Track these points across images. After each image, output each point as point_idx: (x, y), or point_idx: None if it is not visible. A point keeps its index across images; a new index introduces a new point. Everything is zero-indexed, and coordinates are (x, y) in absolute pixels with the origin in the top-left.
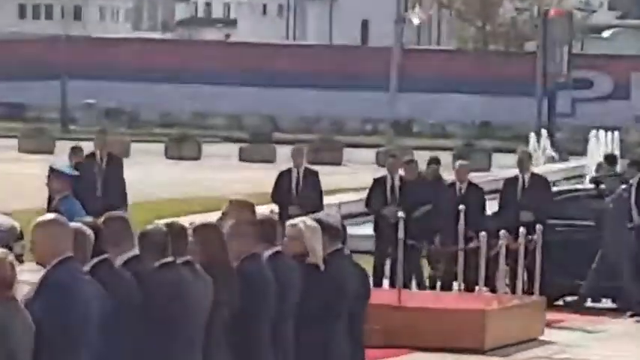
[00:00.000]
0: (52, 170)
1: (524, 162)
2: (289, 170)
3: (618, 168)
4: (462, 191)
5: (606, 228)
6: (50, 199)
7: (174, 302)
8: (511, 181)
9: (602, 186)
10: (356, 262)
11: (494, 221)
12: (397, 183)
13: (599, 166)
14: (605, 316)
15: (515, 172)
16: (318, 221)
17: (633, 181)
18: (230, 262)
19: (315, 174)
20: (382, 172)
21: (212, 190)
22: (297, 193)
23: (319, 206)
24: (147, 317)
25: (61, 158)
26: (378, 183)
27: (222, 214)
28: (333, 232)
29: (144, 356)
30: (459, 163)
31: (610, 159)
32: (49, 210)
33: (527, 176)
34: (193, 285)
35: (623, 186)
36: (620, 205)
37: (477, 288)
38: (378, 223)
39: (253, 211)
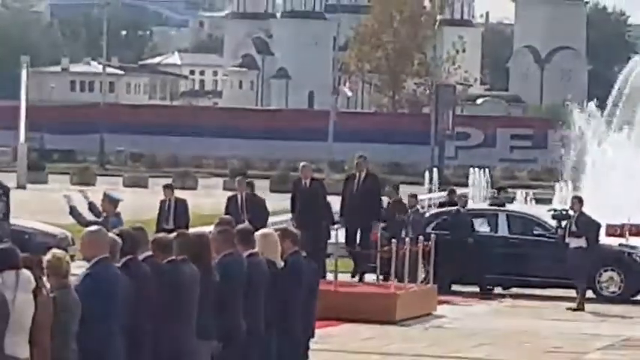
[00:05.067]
0: (105, 196)
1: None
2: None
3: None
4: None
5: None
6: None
7: (176, 287)
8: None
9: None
10: (309, 260)
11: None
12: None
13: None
14: (479, 298)
15: None
16: (283, 230)
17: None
18: (211, 260)
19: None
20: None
21: (204, 210)
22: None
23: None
24: (159, 297)
25: (104, 189)
26: (230, 200)
27: (215, 225)
28: (293, 238)
29: (157, 322)
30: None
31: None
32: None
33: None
34: (188, 275)
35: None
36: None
37: (390, 279)
38: None
39: (232, 224)
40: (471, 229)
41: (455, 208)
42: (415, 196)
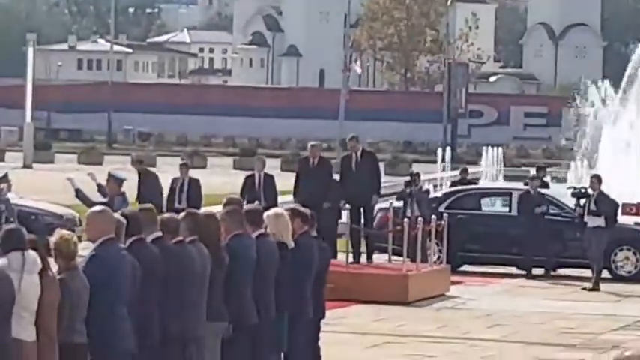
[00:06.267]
0: (109, 175)
1: None
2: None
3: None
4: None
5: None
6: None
7: (184, 268)
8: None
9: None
10: (320, 240)
11: None
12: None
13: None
14: (492, 278)
15: None
16: (292, 209)
17: None
18: (220, 241)
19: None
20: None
21: (213, 189)
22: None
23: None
24: (166, 278)
25: (110, 168)
26: (247, 179)
27: (223, 205)
28: (303, 218)
29: (164, 306)
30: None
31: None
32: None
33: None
34: (197, 256)
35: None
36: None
37: (401, 258)
38: None
39: (241, 204)
40: (542, 211)
41: (524, 188)
42: (418, 174)
